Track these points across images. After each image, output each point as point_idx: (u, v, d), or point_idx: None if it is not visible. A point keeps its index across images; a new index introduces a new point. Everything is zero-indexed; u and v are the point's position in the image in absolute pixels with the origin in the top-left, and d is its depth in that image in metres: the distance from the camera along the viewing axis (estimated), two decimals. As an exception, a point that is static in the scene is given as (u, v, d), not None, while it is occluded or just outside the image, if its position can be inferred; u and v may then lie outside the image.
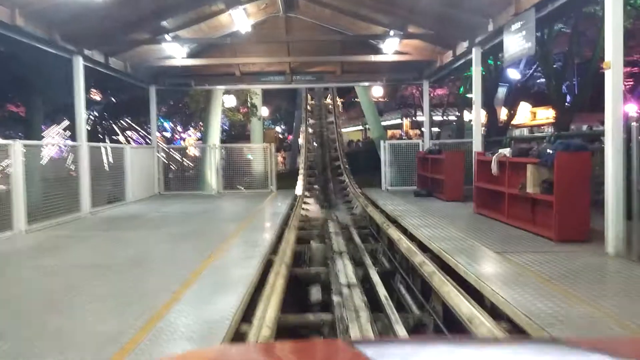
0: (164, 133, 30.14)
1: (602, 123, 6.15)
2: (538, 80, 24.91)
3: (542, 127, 29.39)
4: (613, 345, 1.65)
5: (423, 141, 14.00)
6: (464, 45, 9.85)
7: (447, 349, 1.41)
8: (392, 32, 10.86)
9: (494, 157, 7.94)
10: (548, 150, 6.40)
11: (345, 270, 6.61)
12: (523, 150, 7.31)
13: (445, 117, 30.93)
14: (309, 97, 32.57)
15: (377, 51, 12.14)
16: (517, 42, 7.86)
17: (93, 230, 7.90)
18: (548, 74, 15.55)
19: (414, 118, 37.52)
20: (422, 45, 11.71)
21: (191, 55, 12.38)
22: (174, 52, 11.27)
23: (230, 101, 21.61)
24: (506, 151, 7.74)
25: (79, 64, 9.70)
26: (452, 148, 13.15)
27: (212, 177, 14.25)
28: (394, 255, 8.03)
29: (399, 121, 38.35)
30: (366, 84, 14.93)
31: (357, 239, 9.80)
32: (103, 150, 10.80)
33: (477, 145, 9.79)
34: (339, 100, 37.56)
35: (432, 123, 29.84)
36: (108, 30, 10.04)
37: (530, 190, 6.68)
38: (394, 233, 7.88)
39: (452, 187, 10.71)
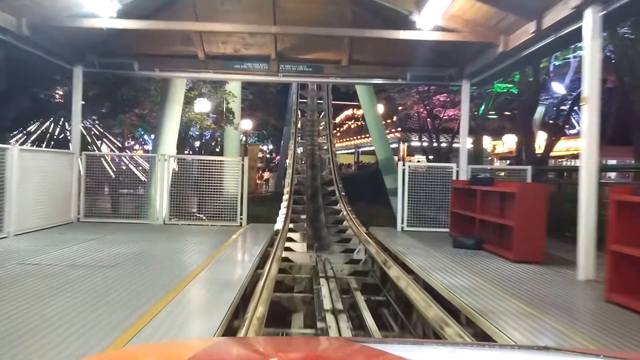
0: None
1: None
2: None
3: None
4: (605, 353, 1.60)
5: (458, 165, 9.95)
6: (570, 3, 5.75)
7: (447, 349, 1.50)
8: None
9: None
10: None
11: None
12: None
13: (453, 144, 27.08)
14: (299, 113, 28.73)
15: (407, 26, 8.02)
16: None
17: None
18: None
19: (411, 144, 33.97)
20: (481, 15, 7.59)
21: (126, 14, 8.04)
22: (97, 4, 7.15)
23: (204, 106, 17.50)
24: None
25: None
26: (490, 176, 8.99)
27: (164, 200, 10.02)
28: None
29: (394, 145, 34.86)
30: (381, 81, 10.69)
31: (371, 324, 5.65)
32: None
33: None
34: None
35: (440, 149, 26.09)
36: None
37: None
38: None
39: (526, 240, 6.61)
